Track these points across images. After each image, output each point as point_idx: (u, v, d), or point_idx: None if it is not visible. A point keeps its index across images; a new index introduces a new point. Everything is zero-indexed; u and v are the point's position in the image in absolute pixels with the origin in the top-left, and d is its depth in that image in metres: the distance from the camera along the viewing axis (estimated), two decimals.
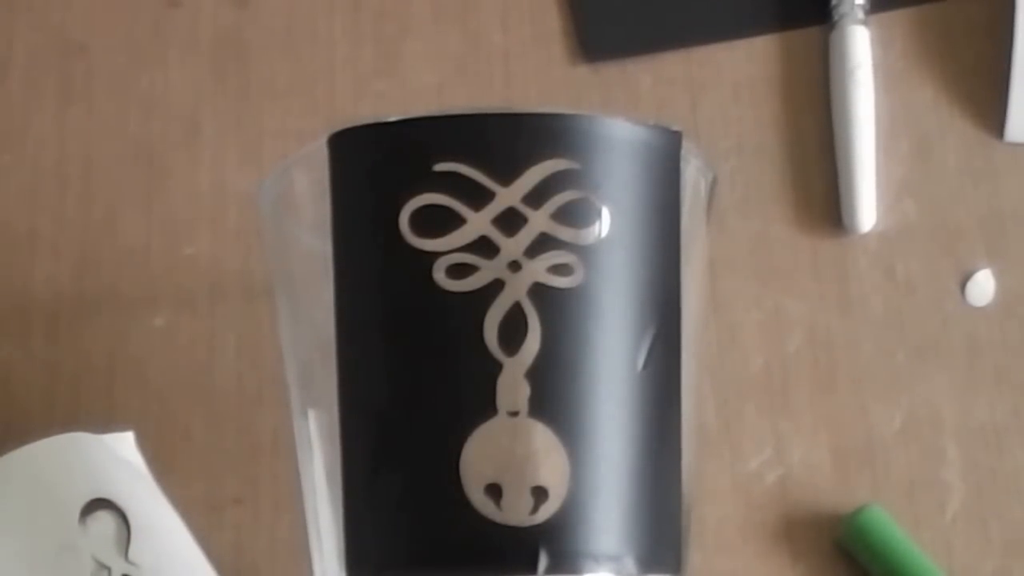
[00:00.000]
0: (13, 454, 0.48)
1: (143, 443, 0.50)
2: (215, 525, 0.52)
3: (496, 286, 0.42)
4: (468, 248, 0.42)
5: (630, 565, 0.42)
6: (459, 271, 0.42)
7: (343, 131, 0.44)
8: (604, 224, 0.43)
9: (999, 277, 0.57)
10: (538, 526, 0.42)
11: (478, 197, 0.42)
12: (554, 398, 0.42)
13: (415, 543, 0.42)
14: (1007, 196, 0.58)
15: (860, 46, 0.59)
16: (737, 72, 0.60)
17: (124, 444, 0.50)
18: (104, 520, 0.47)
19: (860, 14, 0.59)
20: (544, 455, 0.42)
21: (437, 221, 0.42)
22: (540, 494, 0.42)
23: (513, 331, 0.42)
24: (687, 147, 0.45)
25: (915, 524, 0.54)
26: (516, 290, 0.42)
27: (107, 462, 0.49)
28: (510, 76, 0.60)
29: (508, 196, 0.42)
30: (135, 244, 0.57)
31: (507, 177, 0.42)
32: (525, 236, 0.42)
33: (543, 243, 0.42)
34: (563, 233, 0.43)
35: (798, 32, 0.60)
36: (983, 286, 0.57)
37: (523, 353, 0.42)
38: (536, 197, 0.42)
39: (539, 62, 0.60)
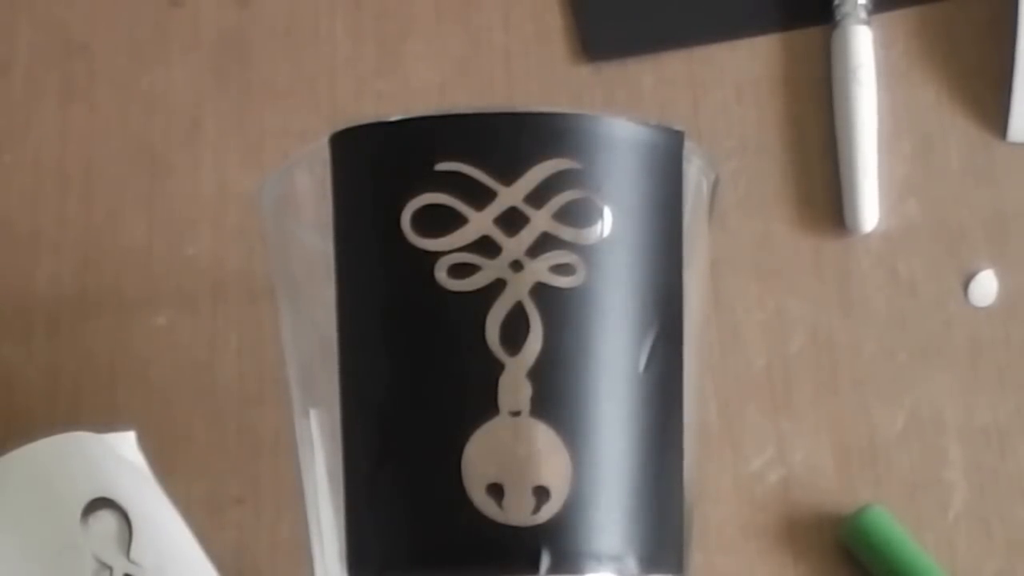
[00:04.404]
0: (15, 453, 0.48)
1: (145, 442, 0.50)
2: (216, 525, 0.52)
3: (498, 286, 0.42)
4: (470, 248, 0.42)
5: (632, 565, 0.42)
6: (461, 271, 0.42)
7: (344, 131, 0.44)
8: (606, 224, 0.43)
9: (1002, 277, 0.57)
10: (540, 526, 0.41)
11: (480, 197, 0.42)
12: (556, 398, 0.42)
13: (417, 543, 0.42)
14: (1010, 196, 0.58)
15: (862, 46, 0.59)
16: (739, 72, 0.60)
17: (126, 444, 0.50)
18: (106, 519, 0.47)
19: (862, 14, 0.59)
20: (546, 455, 0.42)
21: (439, 221, 0.42)
22: (542, 494, 0.42)
23: (515, 331, 0.42)
24: (689, 147, 0.45)
25: (917, 524, 0.54)
26: (518, 290, 0.42)
27: (109, 461, 0.49)
28: (512, 76, 0.60)
29: (510, 196, 0.42)
30: (136, 244, 0.57)
31: (509, 177, 0.42)
32: (527, 236, 0.42)
33: (545, 243, 0.42)
34: (565, 233, 0.42)
35: (800, 32, 0.60)
36: (986, 286, 0.57)
37: (525, 353, 0.42)
38: (538, 197, 0.42)
39: (541, 61, 0.60)
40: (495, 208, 0.42)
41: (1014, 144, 0.59)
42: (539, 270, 0.42)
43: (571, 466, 0.42)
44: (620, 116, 0.44)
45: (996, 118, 0.59)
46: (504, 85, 0.59)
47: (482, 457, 0.42)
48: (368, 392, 0.43)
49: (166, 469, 0.50)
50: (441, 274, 0.42)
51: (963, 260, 0.57)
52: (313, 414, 0.46)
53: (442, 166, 0.42)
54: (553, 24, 0.60)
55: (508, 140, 0.43)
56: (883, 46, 0.60)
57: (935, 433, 0.55)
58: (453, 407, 0.42)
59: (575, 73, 0.60)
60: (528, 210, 0.42)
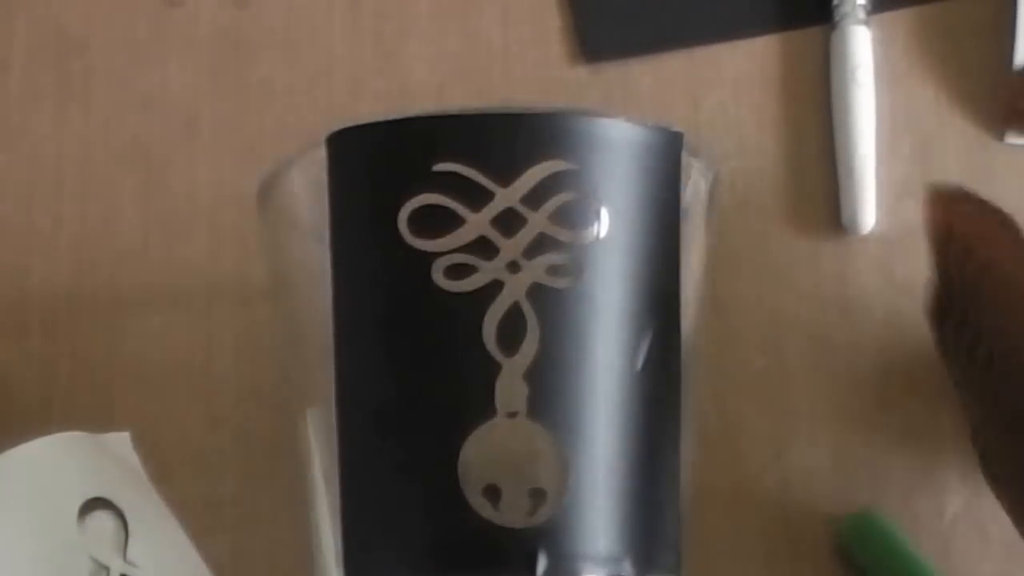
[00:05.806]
0: (11, 453, 0.48)
1: (140, 443, 0.50)
2: (213, 525, 0.52)
3: (495, 287, 0.42)
4: (467, 248, 0.42)
5: (628, 567, 0.42)
6: (458, 272, 0.42)
7: (342, 131, 0.44)
8: (603, 225, 0.43)
9: None
10: (536, 528, 0.41)
11: (477, 197, 0.42)
12: (552, 399, 0.42)
13: (413, 544, 0.42)
14: (1007, 197, 0.58)
15: (861, 46, 0.59)
16: (738, 72, 0.60)
17: (121, 444, 0.50)
18: (102, 520, 0.47)
19: (861, 14, 0.59)
20: (542, 456, 0.42)
21: (436, 221, 0.42)
22: (538, 496, 0.42)
23: (512, 332, 0.42)
24: (687, 147, 0.44)
25: (914, 527, 0.54)
26: (515, 291, 0.42)
27: (105, 462, 0.49)
28: (509, 76, 0.60)
29: (507, 196, 0.42)
30: (132, 244, 0.57)
31: (506, 177, 0.42)
32: (524, 237, 0.42)
33: (542, 244, 0.42)
34: (562, 234, 0.42)
35: (799, 32, 0.60)
36: None
37: (522, 354, 0.42)
38: (535, 198, 0.42)
39: (539, 62, 0.60)
40: (492, 209, 0.42)
41: (1012, 145, 0.59)
42: (536, 271, 0.42)
43: (567, 468, 0.42)
44: (618, 117, 0.44)
45: (995, 119, 0.59)
46: (502, 85, 0.59)
47: (479, 458, 0.41)
48: (364, 393, 0.43)
49: (162, 470, 0.50)
50: (438, 275, 0.42)
51: None
52: (309, 415, 0.46)
53: (439, 167, 0.42)
54: (551, 24, 0.60)
55: (505, 141, 0.43)
56: (882, 46, 0.59)
57: (932, 435, 0.55)
58: (450, 408, 0.42)
59: (573, 74, 0.60)
60: (525, 211, 0.42)
